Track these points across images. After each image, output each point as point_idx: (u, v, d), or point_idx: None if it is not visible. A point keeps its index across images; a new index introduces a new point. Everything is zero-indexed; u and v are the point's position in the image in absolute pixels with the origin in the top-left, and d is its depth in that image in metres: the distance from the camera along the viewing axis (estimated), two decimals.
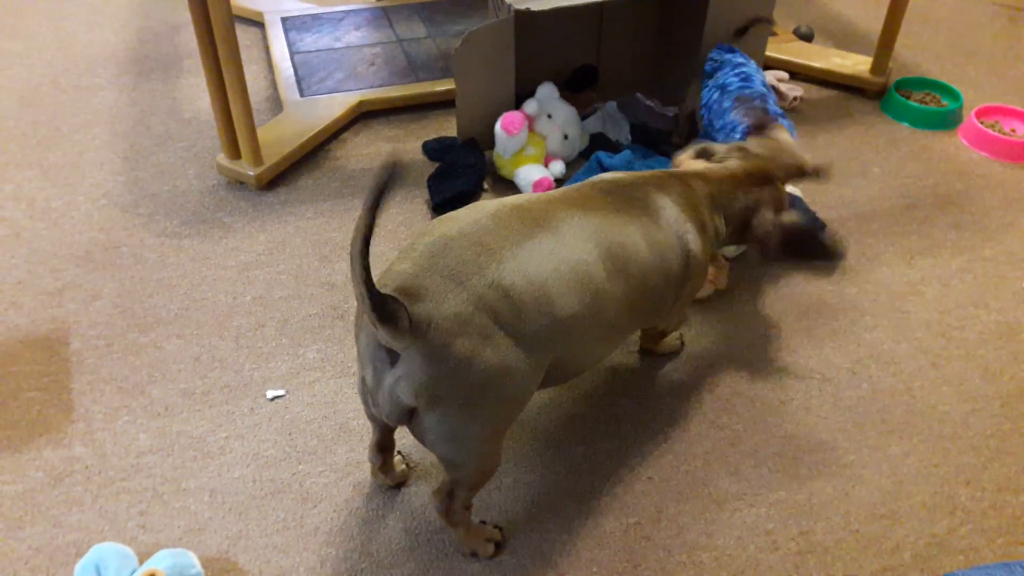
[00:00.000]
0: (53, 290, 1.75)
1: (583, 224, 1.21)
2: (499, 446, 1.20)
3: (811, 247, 1.49)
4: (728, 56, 1.98)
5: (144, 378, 1.56)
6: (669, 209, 1.32)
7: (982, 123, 2.23)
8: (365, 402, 1.20)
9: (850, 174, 2.12)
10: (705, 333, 1.68)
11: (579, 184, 1.34)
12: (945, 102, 2.35)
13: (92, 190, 2.03)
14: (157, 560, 1.20)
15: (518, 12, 1.93)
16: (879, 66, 2.36)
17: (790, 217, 1.48)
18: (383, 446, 1.33)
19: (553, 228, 1.18)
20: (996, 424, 1.51)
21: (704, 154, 1.56)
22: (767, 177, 1.47)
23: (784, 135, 1.66)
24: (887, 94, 2.36)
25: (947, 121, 2.29)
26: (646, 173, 1.38)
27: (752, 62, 1.96)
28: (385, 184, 0.93)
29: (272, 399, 1.53)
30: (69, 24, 2.75)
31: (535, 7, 1.92)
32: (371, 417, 1.26)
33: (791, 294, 1.77)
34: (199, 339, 1.64)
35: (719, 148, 1.56)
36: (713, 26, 2.13)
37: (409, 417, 1.11)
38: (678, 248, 1.32)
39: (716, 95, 1.91)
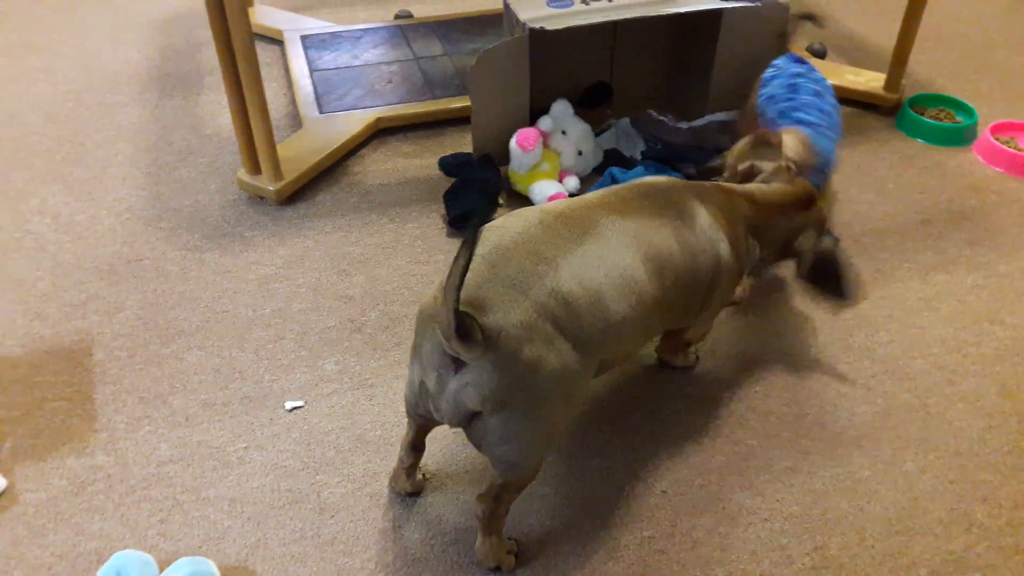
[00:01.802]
0: (77, 302, 1.78)
1: (624, 229, 1.26)
2: (550, 448, 1.23)
3: (833, 279, 1.54)
4: (790, 66, 1.96)
5: (165, 389, 1.59)
6: (703, 216, 1.36)
7: (997, 139, 2.23)
8: (414, 404, 1.23)
9: (864, 190, 2.12)
10: (719, 348, 1.69)
11: (617, 187, 1.37)
12: (960, 118, 2.35)
13: (115, 204, 2.07)
14: (177, 568, 1.22)
15: (532, 31, 1.96)
16: (893, 82, 2.37)
17: (826, 243, 1.53)
18: (416, 446, 1.35)
19: (598, 234, 1.23)
20: (1013, 441, 1.51)
21: (751, 173, 1.61)
22: (810, 201, 1.53)
23: (789, 138, 1.68)
24: (901, 110, 2.37)
25: (962, 137, 2.30)
26: (689, 182, 1.43)
27: (816, 71, 1.96)
28: (477, 226, 0.99)
29: (291, 410, 1.55)
30: (93, 42, 2.80)
31: (549, 26, 1.95)
32: (413, 416, 1.29)
33: (806, 310, 1.78)
34: (220, 351, 1.67)
35: (766, 167, 1.59)
36: (726, 43, 2.15)
37: (469, 420, 1.14)
38: (709, 253, 1.36)
39: (767, 106, 1.92)
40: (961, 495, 1.42)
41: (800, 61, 1.99)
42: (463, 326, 1.03)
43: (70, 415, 1.54)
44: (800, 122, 1.81)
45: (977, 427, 1.53)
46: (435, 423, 1.24)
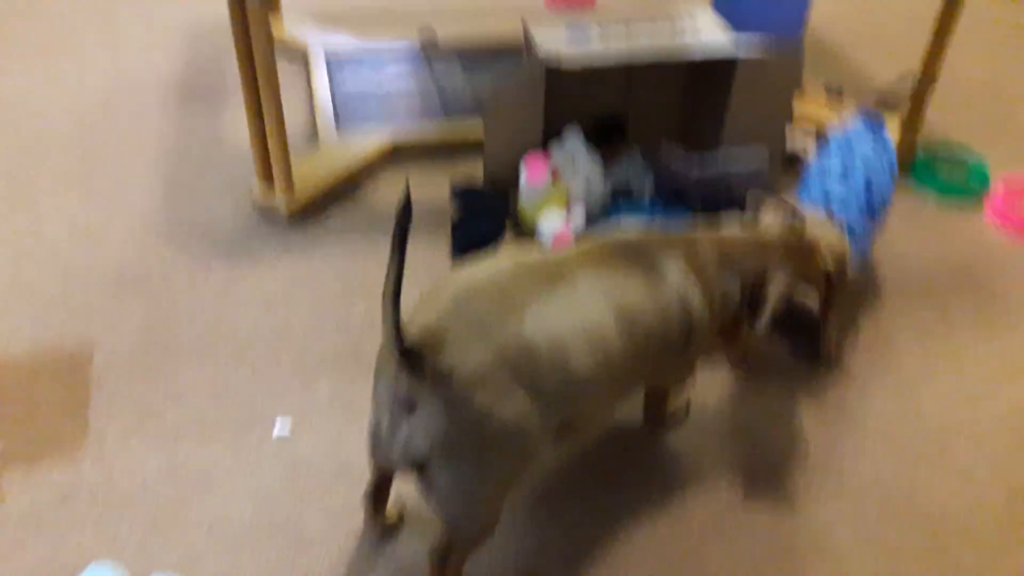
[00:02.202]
0: (83, 310, 1.81)
1: (596, 283, 1.24)
2: (501, 506, 1.22)
3: (804, 330, 1.44)
4: (858, 135, 1.86)
5: (159, 403, 1.61)
6: (673, 272, 1.34)
7: (1011, 201, 2.21)
8: (374, 446, 1.22)
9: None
10: (709, 405, 1.68)
11: (595, 240, 1.36)
12: (973, 176, 2.32)
13: (130, 213, 2.10)
14: None
15: (548, 69, 1.97)
16: (909, 133, 2.35)
17: (801, 299, 1.46)
18: (379, 493, 1.36)
19: (570, 286, 1.21)
20: (999, 519, 1.49)
21: (790, 215, 1.59)
22: (798, 251, 1.47)
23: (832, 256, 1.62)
24: (915, 162, 2.34)
25: (974, 197, 2.27)
26: (656, 234, 1.40)
27: (885, 142, 1.86)
28: (405, 224, 0.97)
29: (277, 439, 1.56)
30: (125, 48, 2.86)
31: (566, 65, 1.97)
32: (374, 462, 1.29)
33: (799, 370, 1.76)
34: (217, 368, 1.69)
35: (770, 208, 1.57)
36: (740, 90, 2.15)
37: (420, 468, 1.13)
38: (679, 310, 1.33)
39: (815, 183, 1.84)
40: (943, 573, 1.40)
41: (873, 128, 1.89)
42: (407, 354, 1.02)
43: (62, 425, 1.56)
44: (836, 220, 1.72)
45: (964, 503, 1.51)
46: (393, 471, 1.23)
